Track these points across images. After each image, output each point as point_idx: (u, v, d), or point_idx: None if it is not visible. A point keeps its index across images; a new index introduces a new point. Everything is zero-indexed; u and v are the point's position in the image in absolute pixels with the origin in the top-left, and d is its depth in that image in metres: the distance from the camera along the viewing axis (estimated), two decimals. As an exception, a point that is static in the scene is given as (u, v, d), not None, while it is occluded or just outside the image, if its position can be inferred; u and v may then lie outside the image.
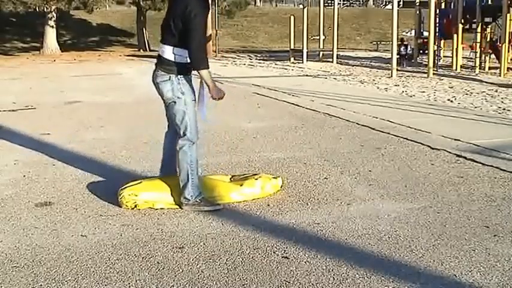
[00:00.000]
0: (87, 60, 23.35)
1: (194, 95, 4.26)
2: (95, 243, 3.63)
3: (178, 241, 3.65)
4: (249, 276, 3.14)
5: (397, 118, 8.11)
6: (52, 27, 27.79)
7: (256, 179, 4.61)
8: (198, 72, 4.04)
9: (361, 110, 8.90)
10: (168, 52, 4.11)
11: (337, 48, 20.69)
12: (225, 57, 23.90)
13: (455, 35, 16.48)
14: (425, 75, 14.90)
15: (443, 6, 19.19)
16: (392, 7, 14.90)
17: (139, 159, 5.90)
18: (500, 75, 14.87)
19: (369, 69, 17.72)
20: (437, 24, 16.50)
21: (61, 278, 3.14)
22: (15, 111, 9.42)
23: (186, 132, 4.19)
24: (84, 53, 27.47)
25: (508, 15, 14.71)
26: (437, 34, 16.56)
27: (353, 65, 19.27)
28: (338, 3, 23.31)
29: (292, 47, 21.13)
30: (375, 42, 29.26)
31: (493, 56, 16.81)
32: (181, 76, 4.11)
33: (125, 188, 4.35)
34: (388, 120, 7.93)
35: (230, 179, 4.78)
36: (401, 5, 33.04)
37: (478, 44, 16.77)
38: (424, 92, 11.75)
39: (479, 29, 16.54)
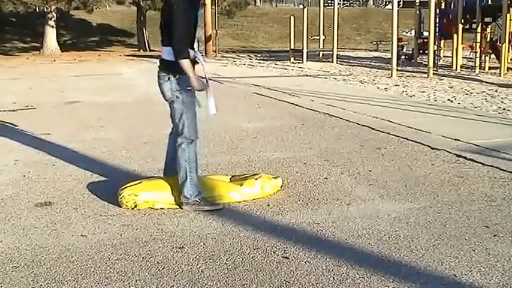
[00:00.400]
0: (87, 60, 23.35)
1: (194, 95, 4.25)
2: (95, 243, 3.63)
3: (178, 241, 3.65)
4: (249, 276, 3.14)
5: (397, 118, 8.12)
6: (52, 27, 27.79)
7: (256, 179, 4.61)
8: (179, 62, 4.04)
9: (361, 110, 8.90)
10: (166, 53, 4.17)
11: (337, 48, 20.68)
12: (225, 57, 23.89)
13: (455, 35, 16.47)
14: (425, 75, 14.90)
15: (443, 6, 19.18)
16: (392, 7, 14.90)
17: (139, 159, 5.90)
18: (500, 75, 14.86)
19: (369, 69, 17.72)
20: (437, 24, 16.50)
21: (61, 278, 3.14)
22: (15, 111, 9.42)
23: (184, 130, 4.21)
24: (84, 53, 27.47)
25: (508, 15, 14.71)
26: (437, 34, 16.56)
27: (353, 65, 19.27)
28: (338, 3, 23.30)
29: (292, 47, 21.13)
30: (374, 42, 29.25)
31: (493, 56, 16.81)
32: (180, 76, 4.12)
33: (125, 188, 4.35)
34: (388, 120, 7.93)
35: (230, 179, 4.78)
36: (401, 5, 33.05)
37: (478, 44, 16.76)
38: (424, 92, 11.75)
39: (479, 29, 16.53)
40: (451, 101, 10.35)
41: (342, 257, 3.38)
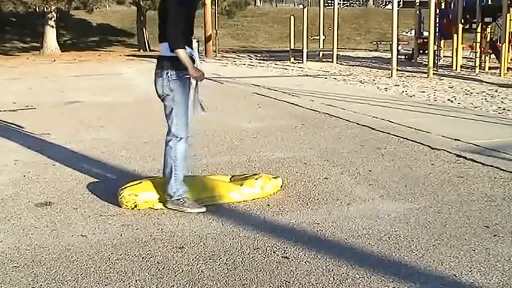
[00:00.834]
0: (87, 60, 23.35)
1: (186, 93, 4.24)
2: (95, 243, 3.63)
3: (178, 241, 3.65)
4: (249, 276, 3.14)
5: (397, 118, 8.12)
6: (52, 27, 27.80)
7: (256, 179, 4.61)
8: (175, 52, 4.04)
9: (361, 110, 8.90)
10: (163, 49, 4.19)
11: (337, 48, 20.68)
12: (225, 57, 23.90)
13: (455, 35, 16.48)
14: (425, 75, 14.90)
15: (443, 6, 19.19)
16: (392, 7, 14.90)
17: (139, 159, 5.90)
18: (500, 75, 14.86)
19: (369, 69, 17.72)
20: (437, 24, 16.50)
21: (61, 278, 3.14)
22: (15, 111, 9.42)
23: (172, 127, 4.22)
24: (84, 53, 27.48)
25: (508, 15, 14.71)
26: (437, 34, 16.56)
27: (353, 65, 19.27)
28: (338, 3, 23.30)
29: (292, 47, 21.13)
30: (374, 42, 29.27)
31: (493, 56, 16.81)
32: (173, 73, 4.12)
33: (125, 188, 4.35)
34: (388, 120, 7.93)
35: (230, 179, 4.78)
36: (401, 5, 33.05)
37: (478, 44, 16.76)
38: (424, 92, 11.75)
39: (479, 29, 16.53)
40: (451, 101, 10.35)
41: (342, 257, 3.38)
